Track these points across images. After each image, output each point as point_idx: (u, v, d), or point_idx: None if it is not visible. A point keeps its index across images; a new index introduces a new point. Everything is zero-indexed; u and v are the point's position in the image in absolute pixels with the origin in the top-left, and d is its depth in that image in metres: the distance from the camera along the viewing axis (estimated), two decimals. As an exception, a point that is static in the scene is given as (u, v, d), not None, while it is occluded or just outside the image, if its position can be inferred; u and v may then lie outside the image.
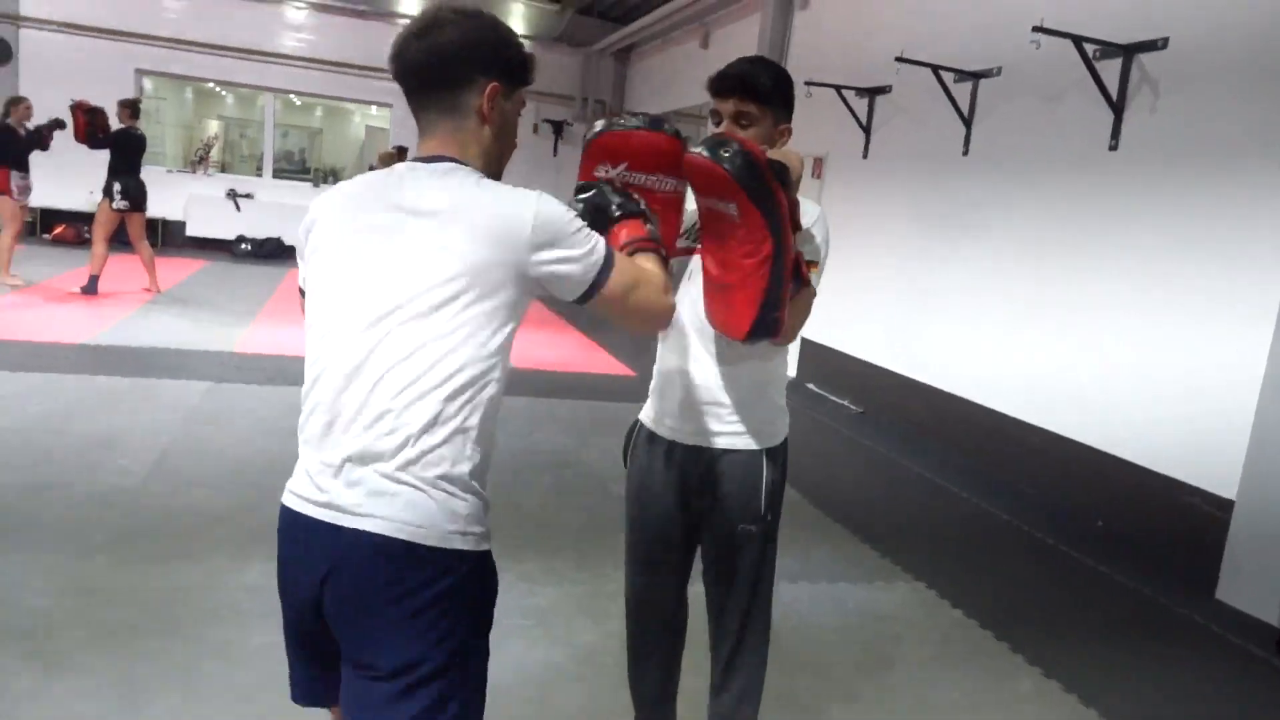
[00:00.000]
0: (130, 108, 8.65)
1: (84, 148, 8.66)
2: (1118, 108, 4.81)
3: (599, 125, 1.80)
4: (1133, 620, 3.80)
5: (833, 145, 7.83)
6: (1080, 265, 5.06)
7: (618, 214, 1.54)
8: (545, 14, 13.50)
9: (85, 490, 3.85)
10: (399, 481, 1.30)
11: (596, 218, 1.51)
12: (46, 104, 9.52)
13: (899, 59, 6.29)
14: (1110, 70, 4.84)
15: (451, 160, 1.40)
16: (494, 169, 1.47)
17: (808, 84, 7.84)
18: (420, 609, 1.30)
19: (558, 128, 13.97)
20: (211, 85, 14.49)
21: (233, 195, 13.17)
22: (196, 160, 13.94)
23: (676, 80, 11.79)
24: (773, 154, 1.74)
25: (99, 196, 8.66)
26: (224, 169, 14.56)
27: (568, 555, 3.69)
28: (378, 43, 11.13)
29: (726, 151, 1.64)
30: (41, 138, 8.75)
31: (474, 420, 1.33)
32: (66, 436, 4.51)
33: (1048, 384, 5.23)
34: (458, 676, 1.34)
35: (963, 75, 6.04)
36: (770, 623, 2.13)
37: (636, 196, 1.58)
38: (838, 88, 7.39)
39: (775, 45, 8.82)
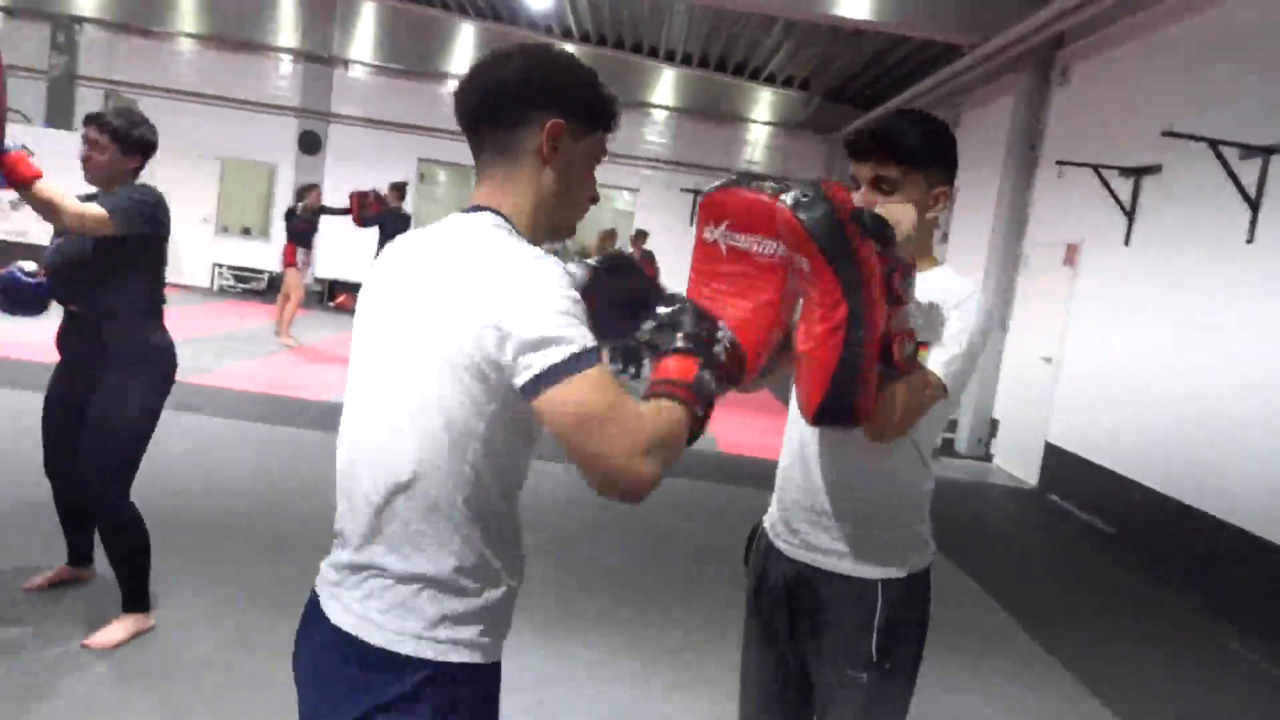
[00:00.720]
0: (399, 190, 9.57)
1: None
2: None
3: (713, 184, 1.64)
4: None
5: (1089, 231, 7.05)
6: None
7: (676, 345, 1.19)
8: (792, 100, 13.56)
9: (267, 538, 4.05)
10: (363, 569, 1.16)
11: (654, 338, 1.21)
12: (344, 187, 10.73)
13: (1166, 133, 5.54)
14: None
15: (489, 210, 1.22)
16: (556, 221, 1.28)
17: (1060, 164, 7.17)
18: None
19: (799, 213, 13.79)
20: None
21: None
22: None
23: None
24: (880, 208, 1.46)
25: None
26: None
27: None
28: (625, 132, 11.67)
29: (805, 197, 1.38)
30: (314, 218, 9.74)
31: (455, 507, 1.13)
32: (274, 485, 4.83)
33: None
34: None
35: (1250, 151, 5.19)
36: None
37: (720, 333, 1.24)
38: (1096, 168, 6.67)
39: (1029, 124, 8.20)
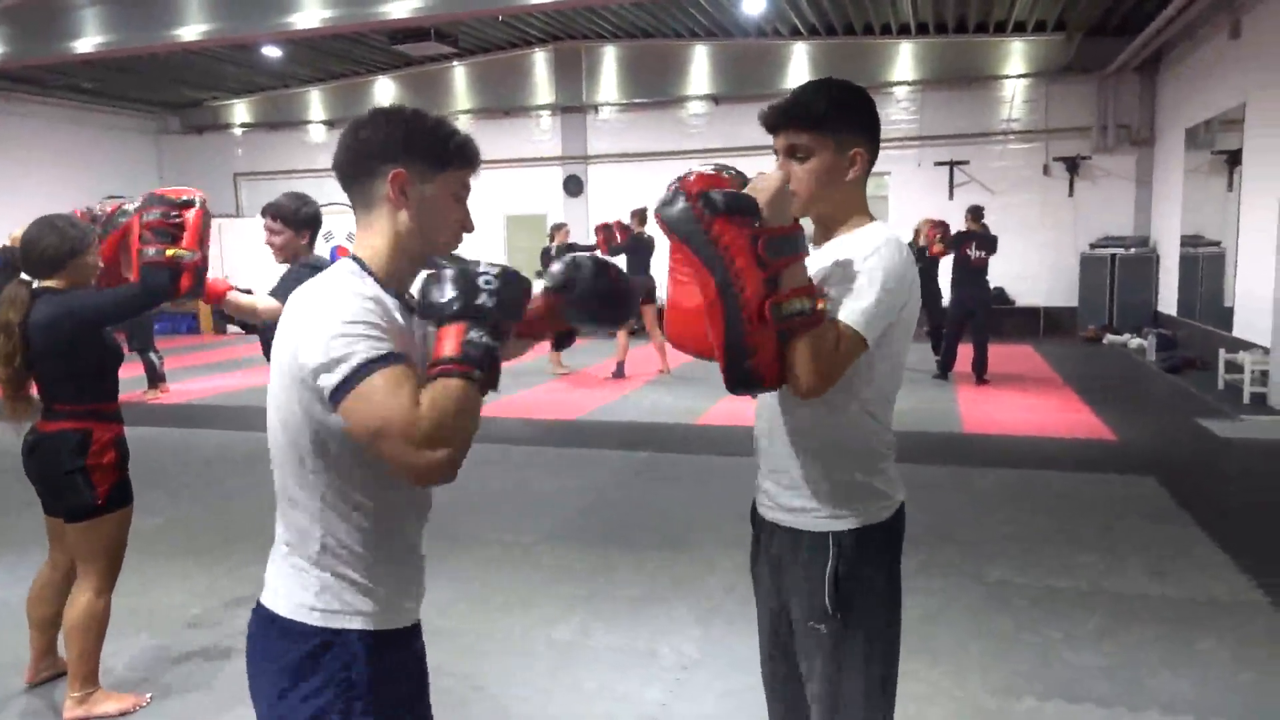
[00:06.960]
0: (639, 216, 10.12)
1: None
2: None
3: None
4: None
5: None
6: None
7: (450, 311, 1.26)
8: (1049, 45, 12.40)
9: (483, 551, 4.55)
10: (278, 550, 1.42)
11: (427, 309, 1.30)
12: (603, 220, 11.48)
13: None
14: None
15: (349, 258, 1.42)
16: (424, 251, 1.45)
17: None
18: (272, 681, 1.36)
19: (1072, 164, 12.57)
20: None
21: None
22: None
23: (1204, 83, 9.85)
24: (751, 186, 1.52)
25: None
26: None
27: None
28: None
29: (667, 194, 1.54)
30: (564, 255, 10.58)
31: (314, 504, 1.36)
32: (479, 497, 5.37)
33: None
34: None
35: None
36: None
37: (490, 283, 1.29)
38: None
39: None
